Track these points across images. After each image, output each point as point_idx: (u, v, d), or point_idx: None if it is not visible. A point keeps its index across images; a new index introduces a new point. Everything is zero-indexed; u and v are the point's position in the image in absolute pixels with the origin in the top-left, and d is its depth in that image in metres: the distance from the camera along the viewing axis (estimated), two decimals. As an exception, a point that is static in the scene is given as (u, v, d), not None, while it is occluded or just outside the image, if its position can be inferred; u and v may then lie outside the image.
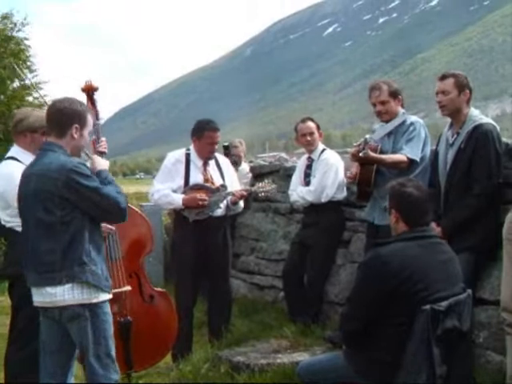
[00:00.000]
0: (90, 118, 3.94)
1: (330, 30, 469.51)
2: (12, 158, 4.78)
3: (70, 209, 3.68)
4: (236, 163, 7.92)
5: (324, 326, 6.05)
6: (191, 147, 5.94)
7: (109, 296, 3.87)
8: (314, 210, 6.32)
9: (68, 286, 3.68)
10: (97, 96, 4.93)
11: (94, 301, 3.75)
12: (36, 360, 4.72)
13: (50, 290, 3.72)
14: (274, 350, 5.42)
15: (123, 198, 3.81)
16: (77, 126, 3.83)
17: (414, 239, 3.63)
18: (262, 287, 7.59)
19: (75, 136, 3.84)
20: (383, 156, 5.29)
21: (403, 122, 5.41)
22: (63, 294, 3.69)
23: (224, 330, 5.93)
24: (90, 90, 4.91)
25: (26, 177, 3.87)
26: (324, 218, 6.26)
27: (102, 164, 4.02)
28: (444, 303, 3.41)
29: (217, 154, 6.09)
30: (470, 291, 3.68)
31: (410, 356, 3.38)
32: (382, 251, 3.59)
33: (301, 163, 6.73)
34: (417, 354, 3.36)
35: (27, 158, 4.79)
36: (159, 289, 5.42)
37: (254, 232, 7.87)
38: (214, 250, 5.85)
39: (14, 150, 4.84)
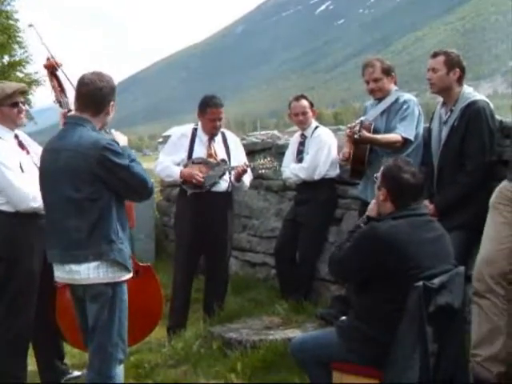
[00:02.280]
0: None
1: (323, 7, 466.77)
2: None
3: (98, 186, 3.64)
4: None
5: (316, 303, 6.07)
6: (199, 122, 5.94)
7: (130, 274, 3.85)
8: (307, 187, 6.31)
9: (94, 264, 3.65)
10: (61, 72, 4.74)
11: (118, 279, 3.73)
12: (22, 343, 4.75)
13: (74, 267, 3.69)
14: (265, 327, 5.44)
15: (148, 177, 3.79)
16: (112, 102, 3.85)
17: (405, 217, 3.64)
18: (254, 264, 7.60)
19: (110, 111, 3.86)
20: (378, 136, 5.26)
21: (396, 100, 5.39)
22: (88, 273, 3.67)
23: (216, 307, 5.94)
24: (52, 67, 4.76)
25: (54, 151, 3.79)
26: (316, 196, 6.24)
27: (122, 140, 3.96)
28: (436, 280, 3.43)
29: (225, 130, 6.07)
30: (462, 268, 3.70)
31: (403, 333, 3.39)
32: (379, 227, 3.61)
33: (294, 140, 6.71)
34: (410, 331, 3.37)
35: (4, 133, 4.68)
36: (143, 263, 5.40)
37: (246, 209, 7.85)
38: (212, 225, 5.83)
39: None
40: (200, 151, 5.87)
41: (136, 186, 3.75)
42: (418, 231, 3.61)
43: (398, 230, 3.57)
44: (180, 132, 6.08)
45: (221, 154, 5.90)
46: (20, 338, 4.73)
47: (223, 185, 5.85)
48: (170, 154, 5.93)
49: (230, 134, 6.17)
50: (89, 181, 3.63)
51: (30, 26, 4.99)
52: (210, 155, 5.87)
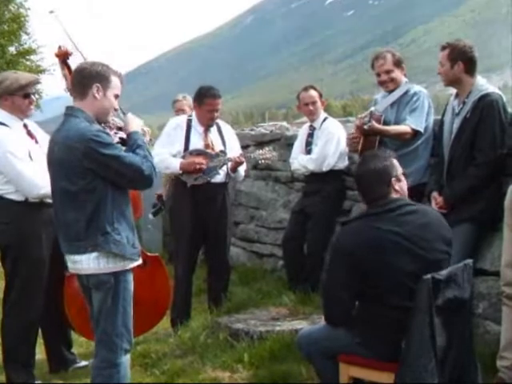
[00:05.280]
0: (115, 80, 3.81)
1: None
2: None
3: (91, 178, 3.61)
4: None
5: (323, 294, 6.06)
6: (193, 113, 5.89)
7: (136, 263, 3.83)
8: (315, 178, 6.31)
9: (93, 254, 3.65)
10: (72, 61, 4.72)
11: (119, 269, 3.72)
12: (31, 330, 4.77)
13: (76, 257, 3.71)
14: (273, 318, 5.45)
15: (148, 164, 3.71)
16: (98, 85, 3.72)
17: (375, 215, 3.60)
18: (262, 255, 7.61)
19: (97, 96, 3.73)
20: (387, 127, 5.27)
21: (406, 92, 5.39)
22: (88, 263, 3.67)
23: (223, 297, 5.95)
24: (64, 56, 4.77)
25: (52, 143, 3.80)
26: (325, 187, 6.24)
27: (135, 124, 3.92)
28: (443, 272, 3.41)
29: (219, 121, 6.03)
30: (470, 261, 3.67)
31: (415, 328, 3.35)
32: (345, 230, 3.63)
33: (302, 131, 6.70)
34: (422, 326, 3.34)
35: (14, 122, 4.70)
36: (151, 253, 5.41)
37: (253, 200, 7.86)
38: (211, 216, 5.82)
39: (1, 115, 4.70)
40: (197, 142, 5.83)
41: (130, 176, 3.69)
42: (387, 227, 3.51)
43: (365, 229, 3.54)
44: (175, 123, 6.02)
45: (217, 145, 5.88)
46: (29, 326, 4.76)
47: (221, 176, 5.84)
48: (166, 146, 5.85)
49: (223, 124, 6.15)
50: (80, 173, 3.61)
51: (51, 12, 4.96)
52: (206, 146, 5.84)
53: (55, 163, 3.72)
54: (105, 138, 3.64)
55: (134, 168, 3.66)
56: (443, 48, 4.86)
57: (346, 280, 3.55)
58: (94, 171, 3.61)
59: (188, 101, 7.81)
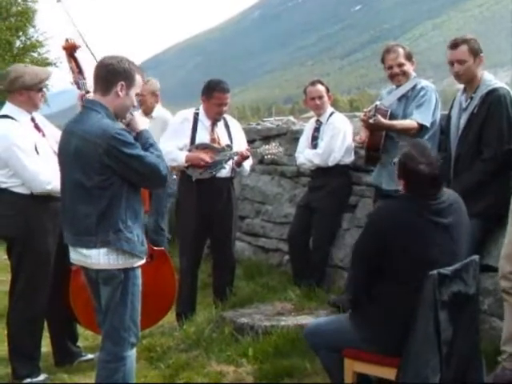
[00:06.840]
0: (138, 79, 3.79)
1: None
2: (7, 116, 4.68)
3: (108, 174, 3.59)
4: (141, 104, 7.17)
5: (328, 289, 6.08)
6: (201, 107, 5.88)
7: (143, 261, 3.83)
8: (321, 173, 6.29)
9: (103, 250, 3.64)
10: (79, 54, 4.77)
11: (129, 266, 3.72)
12: (37, 324, 4.78)
13: (85, 252, 3.70)
14: (278, 313, 5.43)
15: (164, 164, 3.72)
16: (122, 83, 3.70)
17: (420, 199, 3.59)
18: (267, 250, 7.60)
19: (120, 94, 3.71)
20: (393, 122, 5.26)
21: (414, 86, 5.39)
22: (98, 258, 3.66)
23: (228, 291, 5.95)
24: (71, 49, 4.76)
25: (68, 134, 3.77)
26: (331, 182, 6.23)
27: (144, 123, 3.92)
28: (449, 268, 3.41)
29: (226, 116, 6.01)
30: (476, 257, 3.67)
31: (419, 325, 3.36)
32: (385, 206, 3.62)
33: (309, 126, 6.68)
34: (426, 323, 3.34)
35: (23, 116, 4.70)
36: (157, 248, 5.41)
37: (259, 195, 7.85)
38: (216, 211, 5.81)
39: (9, 109, 4.72)
40: (203, 136, 5.81)
41: (148, 176, 3.70)
42: (429, 215, 3.54)
43: (406, 209, 3.55)
44: (182, 117, 6.00)
45: (224, 139, 5.86)
46: (35, 319, 4.78)
47: (226, 170, 5.82)
48: (173, 139, 5.83)
49: (230, 119, 6.13)
50: (98, 169, 3.59)
51: (59, 1, 4.95)
52: (213, 140, 5.82)
53: (70, 154, 3.68)
54: (128, 137, 3.63)
55: (152, 168, 3.66)
56: (456, 45, 4.75)
57: (368, 253, 3.59)
58: (112, 168, 3.60)
59: (150, 85, 7.57)
